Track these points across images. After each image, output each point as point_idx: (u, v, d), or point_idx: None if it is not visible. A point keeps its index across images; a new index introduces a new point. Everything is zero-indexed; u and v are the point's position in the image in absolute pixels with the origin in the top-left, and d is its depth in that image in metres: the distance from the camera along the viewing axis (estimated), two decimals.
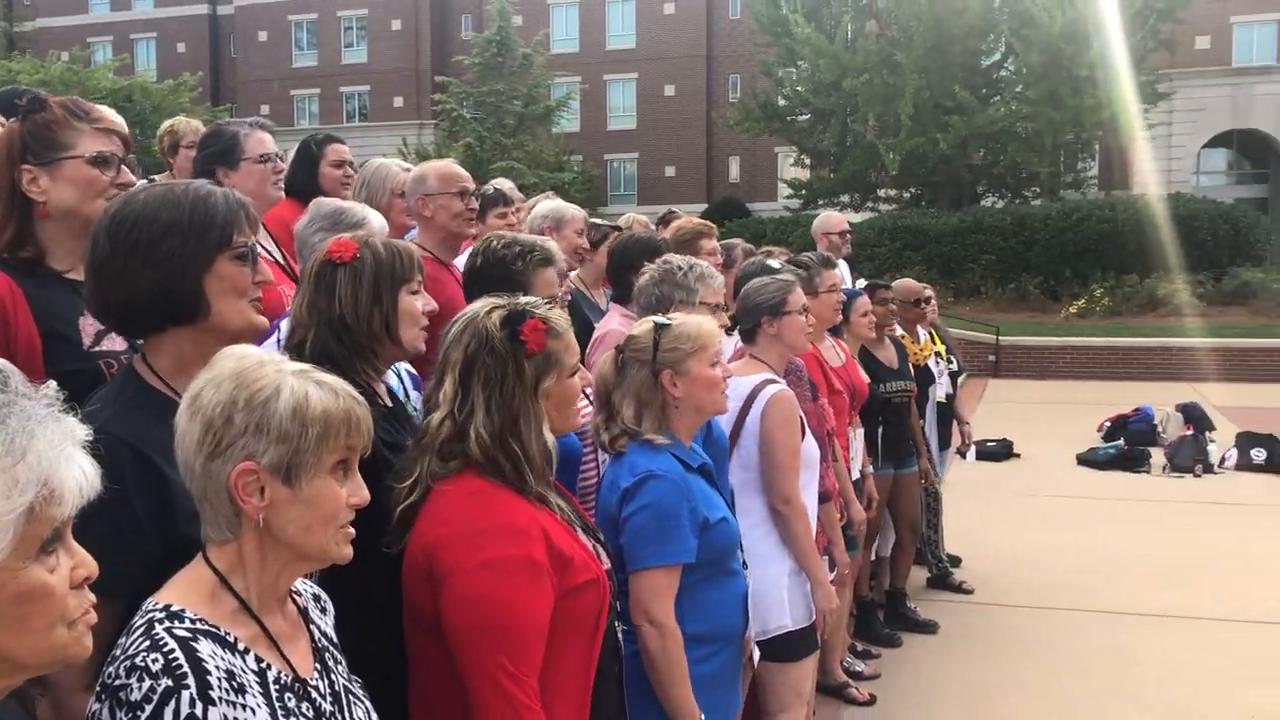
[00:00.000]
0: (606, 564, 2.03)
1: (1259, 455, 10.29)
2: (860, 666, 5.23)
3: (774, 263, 4.51)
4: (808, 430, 3.38)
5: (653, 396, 2.54)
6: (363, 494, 1.48)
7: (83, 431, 1.08)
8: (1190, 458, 10.27)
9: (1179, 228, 22.75)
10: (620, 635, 2.13)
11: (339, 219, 2.93)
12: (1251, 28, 35.75)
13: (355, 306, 2.18)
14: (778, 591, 3.22)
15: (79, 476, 1.06)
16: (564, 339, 2.02)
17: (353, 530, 1.47)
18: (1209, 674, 5.21)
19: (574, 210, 4.17)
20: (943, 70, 25.13)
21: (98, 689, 1.33)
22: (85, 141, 2.08)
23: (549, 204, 4.26)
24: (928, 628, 5.86)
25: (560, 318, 2.03)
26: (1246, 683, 5.08)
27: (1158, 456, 10.60)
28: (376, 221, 3.00)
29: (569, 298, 3.65)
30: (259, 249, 1.89)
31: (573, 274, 4.68)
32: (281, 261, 3.46)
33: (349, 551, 1.47)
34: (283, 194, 3.62)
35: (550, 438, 1.98)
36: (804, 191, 29.49)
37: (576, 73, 41.93)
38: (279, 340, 2.48)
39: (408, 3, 43.91)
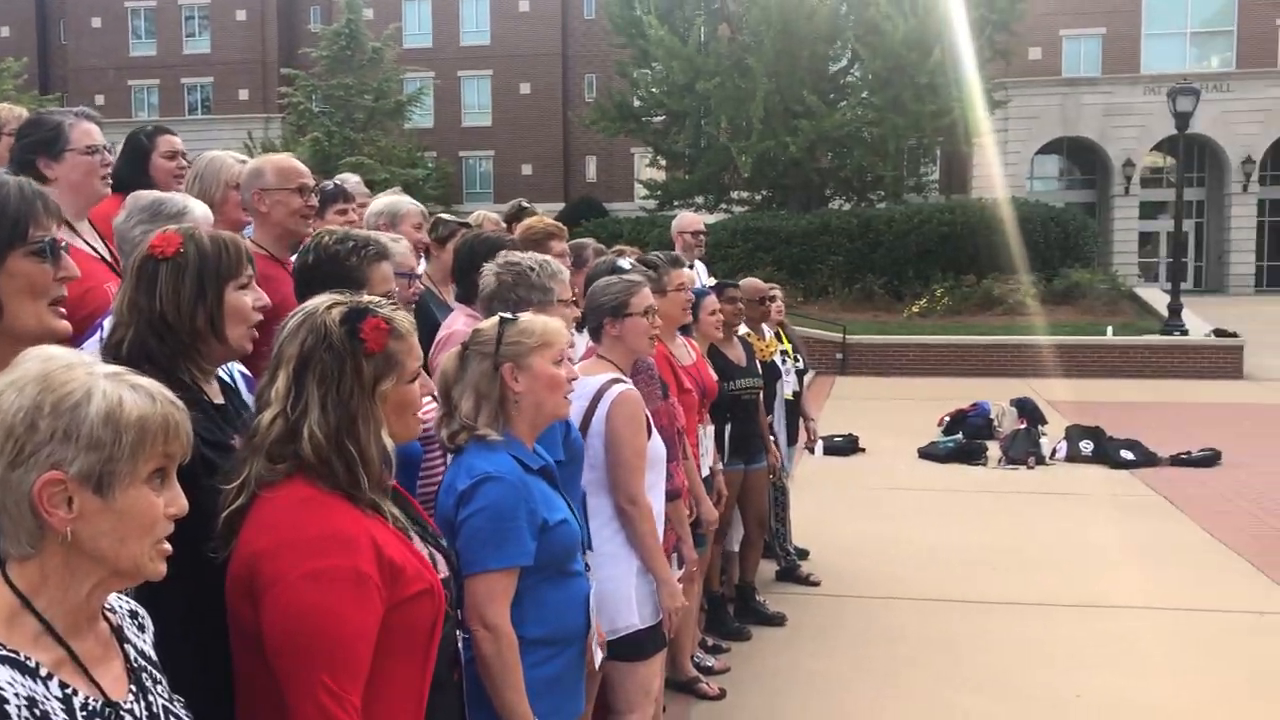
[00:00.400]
0: (444, 572, 1.99)
1: (1087, 447, 10.86)
2: (710, 661, 5.30)
3: (624, 263, 4.53)
4: (654, 429, 3.40)
5: (491, 390, 2.50)
6: (181, 504, 1.41)
7: None
8: (1024, 450, 10.76)
9: (1014, 230, 23.87)
10: (461, 643, 2.10)
11: (158, 210, 2.80)
12: (1079, 40, 37.76)
13: (178, 303, 2.08)
14: (625, 591, 3.23)
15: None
16: (406, 341, 1.96)
17: (169, 546, 1.40)
18: (1040, 657, 5.46)
19: (409, 204, 4.09)
20: (792, 75, 25.69)
21: None
22: None
23: (384, 199, 4.17)
24: (776, 620, 5.98)
25: (404, 319, 1.97)
26: (1074, 665, 5.34)
27: (994, 449, 11.08)
28: (199, 211, 2.88)
29: (416, 296, 3.57)
30: (72, 245, 1.78)
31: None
32: (110, 259, 3.29)
33: (163, 568, 1.40)
34: (109, 189, 3.44)
35: (389, 441, 1.93)
36: (660, 192, 29.76)
37: (430, 68, 41.36)
38: (101, 339, 2.36)
39: None
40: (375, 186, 6.56)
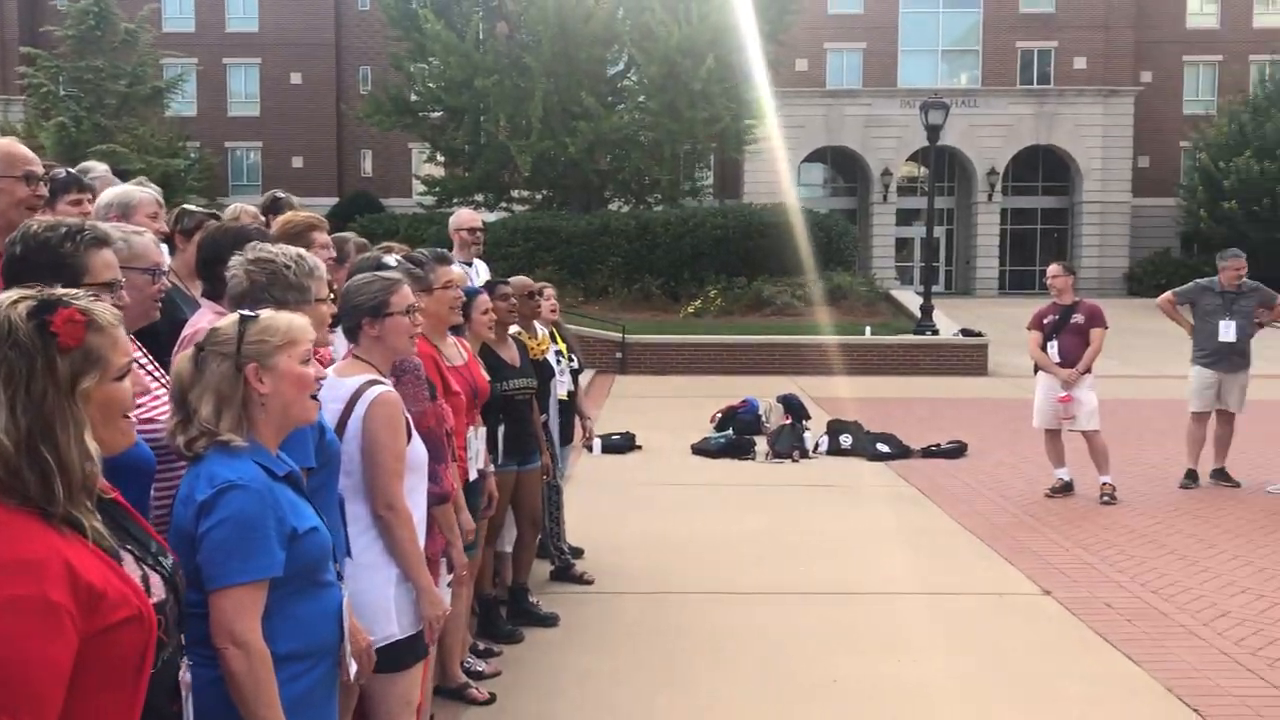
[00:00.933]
0: (158, 595, 1.84)
1: (846, 441, 11.41)
2: (481, 666, 5.22)
3: (389, 259, 4.40)
4: (414, 432, 3.30)
5: (234, 392, 2.36)
6: None
7: None
8: (789, 445, 11.20)
9: (782, 235, 24.90)
10: (186, 669, 1.95)
11: None
12: (842, 54, 39.74)
13: None
14: (383, 601, 3.12)
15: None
16: (109, 334, 1.79)
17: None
18: (801, 644, 5.66)
19: (141, 193, 3.83)
20: (570, 76, 25.85)
21: None
22: None
23: (113, 190, 3.88)
24: (549, 621, 5.96)
25: (105, 310, 1.80)
26: (834, 650, 5.58)
27: (762, 444, 11.47)
28: None
29: (164, 293, 3.33)
30: None
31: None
32: None
33: None
34: None
35: (94, 447, 1.77)
36: (439, 189, 29.32)
37: (192, 54, 39.27)
38: None
39: None
40: (129, 177, 6.12)
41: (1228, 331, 9.41)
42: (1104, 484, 9.05)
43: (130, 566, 1.82)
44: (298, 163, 41.80)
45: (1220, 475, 9.63)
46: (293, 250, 2.89)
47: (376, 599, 3.12)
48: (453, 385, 4.28)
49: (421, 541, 3.44)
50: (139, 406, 2.85)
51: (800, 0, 29.08)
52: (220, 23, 41.86)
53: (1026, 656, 5.51)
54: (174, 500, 2.52)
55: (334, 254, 4.52)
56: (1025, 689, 5.08)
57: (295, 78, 41.98)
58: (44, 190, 3.65)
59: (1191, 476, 9.60)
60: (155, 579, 1.88)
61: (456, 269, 4.85)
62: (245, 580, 2.24)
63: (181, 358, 2.41)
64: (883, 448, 11.16)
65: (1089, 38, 39.31)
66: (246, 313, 2.42)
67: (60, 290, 1.80)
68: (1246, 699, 4.92)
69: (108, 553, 1.77)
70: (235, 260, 2.91)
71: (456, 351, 4.75)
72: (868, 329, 21.23)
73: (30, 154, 3.65)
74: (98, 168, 5.40)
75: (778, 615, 6.15)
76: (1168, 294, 10.02)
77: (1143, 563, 7.18)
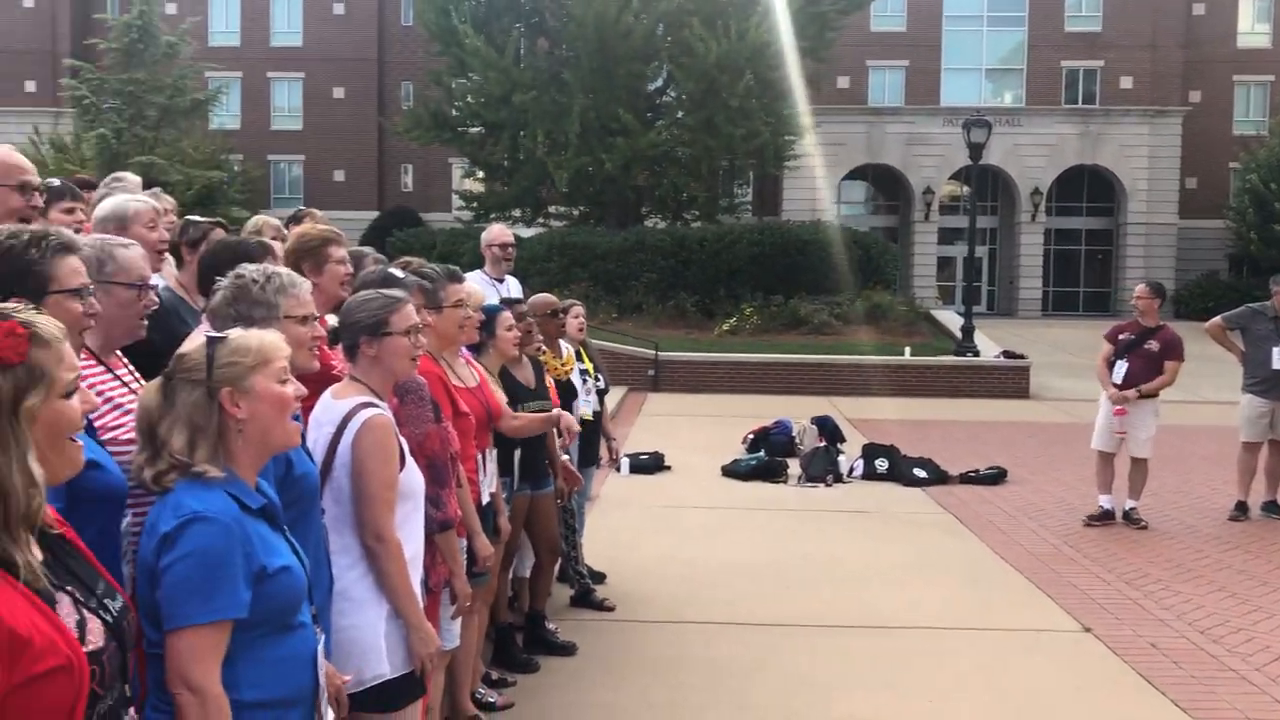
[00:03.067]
0: (95, 642, 1.66)
1: (882, 465, 11.12)
2: (493, 697, 5.03)
3: (398, 273, 4.24)
4: (408, 458, 3.12)
5: (208, 420, 2.19)
6: None
7: None
8: (823, 468, 10.93)
9: (821, 253, 24.61)
10: (131, 719, 1.78)
11: None
12: (884, 72, 39.41)
13: None
14: (374, 639, 2.93)
15: None
16: (55, 350, 1.64)
17: None
18: (830, 681, 5.42)
19: (138, 204, 3.69)
20: (608, 92, 25.75)
21: None
22: None
23: (110, 201, 3.75)
24: (567, 650, 5.76)
25: (49, 324, 1.66)
26: (863, 688, 5.33)
27: (795, 467, 11.21)
28: None
29: (151, 309, 3.18)
30: None
31: (169, 275, 4.18)
32: None
33: None
34: None
35: (39, 470, 1.61)
36: (477, 204, 29.30)
37: (238, 68, 39.65)
38: None
39: None
40: (169, 189, 6.04)
41: None
42: (1132, 508, 8.85)
43: (66, 609, 1.65)
44: (339, 176, 42.06)
45: (1272, 508, 9.26)
46: (271, 268, 2.75)
47: (367, 636, 2.94)
48: (461, 406, 4.10)
49: (419, 572, 3.27)
50: (118, 426, 2.72)
51: (842, 18, 28.80)
52: (265, 37, 42.25)
53: (1066, 700, 5.23)
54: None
55: (350, 269, 4.37)
56: None
57: (338, 92, 42.26)
58: (39, 200, 3.54)
59: (1242, 508, 9.25)
60: (94, 624, 1.70)
61: (472, 287, 4.69)
62: (204, 621, 2.07)
63: (146, 388, 2.26)
64: (920, 473, 10.87)
65: (1136, 57, 38.71)
66: (214, 334, 2.25)
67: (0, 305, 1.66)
68: None
69: (40, 594, 1.60)
70: (222, 279, 2.77)
71: (469, 372, 4.58)
72: (907, 350, 20.89)
73: (26, 163, 3.54)
74: (129, 178, 5.33)
75: (806, 649, 5.91)
76: (1217, 319, 9.67)
77: (1189, 599, 6.86)
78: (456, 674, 4.54)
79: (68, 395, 1.68)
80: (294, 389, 2.32)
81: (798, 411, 13.60)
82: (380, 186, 42.62)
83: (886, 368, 19.85)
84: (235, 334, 2.25)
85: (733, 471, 11.09)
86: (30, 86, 40.22)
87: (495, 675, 5.30)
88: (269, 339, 2.26)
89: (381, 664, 2.94)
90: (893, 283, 27.57)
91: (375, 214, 37.88)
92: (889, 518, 9.37)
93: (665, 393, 19.23)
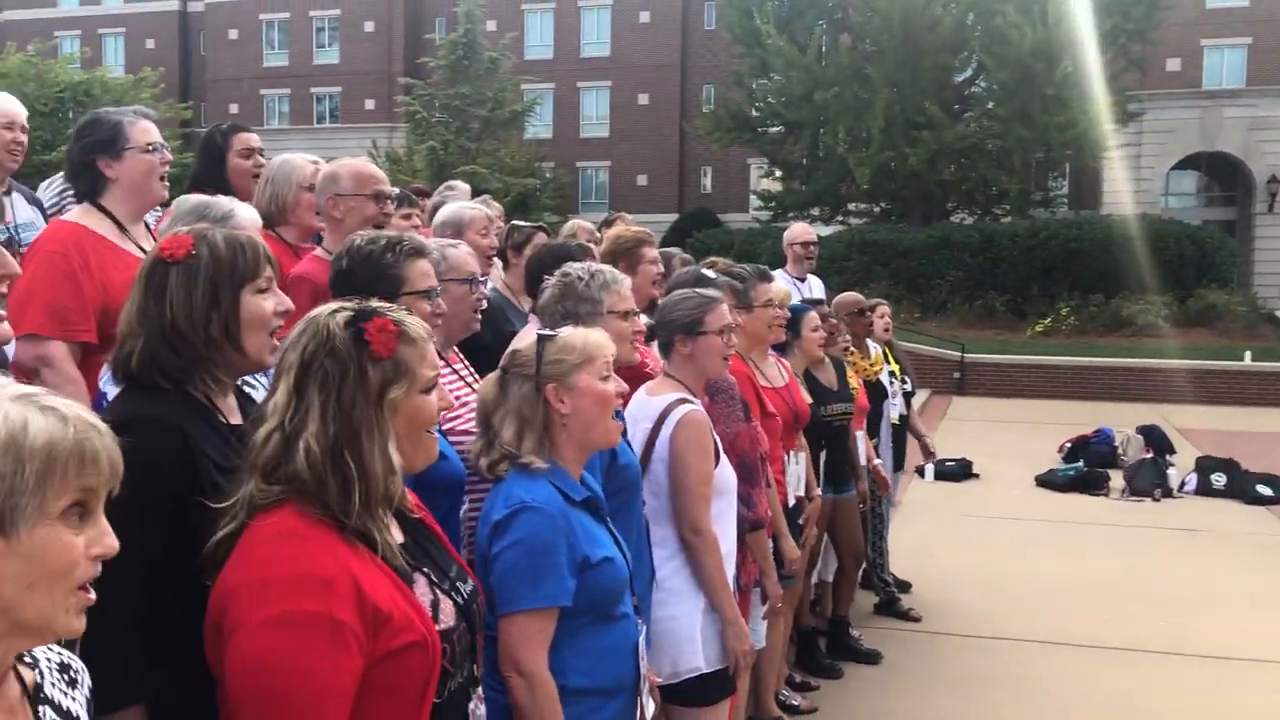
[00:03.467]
0: (448, 622, 1.75)
1: (1219, 480, 10.16)
2: (796, 700, 4.99)
3: (709, 273, 4.28)
4: (722, 454, 3.13)
5: (535, 414, 2.29)
6: (108, 542, 1.20)
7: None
8: (1149, 481, 10.12)
9: (1146, 248, 22.81)
10: (479, 701, 1.86)
11: (203, 214, 2.68)
12: (1221, 51, 36.00)
13: (189, 310, 1.92)
14: (690, 630, 2.97)
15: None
16: (419, 347, 1.76)
17: (92, 595, 1.20)
18: (1157, 711, 5.00)
19: (473, 211, 3.92)
20: (913, 85, 25.09)
21: None
22: None
23: (448, 209, 4.00)
24: (871, 658, 5.63)
25: (416, 324, 1.78)
26: None
27: (1117, 479, 10.44)
28: (245, 215, 2.74)
29: (483, 303, 3.38)
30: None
31: (496, 278, 4.43)
32: None
33: (80, 624, 1.19)
34: (166, 192, 3.34)
35: (398, 459, 1.73)
36: (775, 204, 29.36)
37: (550, 79, 41.71)
38: None
39: (381, 4, 43.54)
40: (490, 196, 6.50)
41: None
42: None
43: (422, 589, 1.76)
44: (642, 180, 43.35)
45: None
46: (595, 266, 2.84)
47: (683, 628, 2.97)
48: (769, 406, 4.08)
49: (731, 569, 3.27)
50: (456, 418, 2.89)
51: None
52: (575, 48, 44.21)
53: None
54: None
55: (662, 269, 4.47)
56: None
57: (642, 99, 43.57)
58: (391, 208, 3.83)
59: None
60: (447, 605, 1.80)
61: (780, 286, 4.67)
62: (532, 607, 2.16)
63: (486, 381, 2.40)
64: (1264, 490, 9.85)
65: None
66: (545, 332, 2.35)
67: (375, 303, 1.80)
68: None
69: (398, 572, 1.71)
70: (549, 278, 2.89)
71: (777, 372, 4.55)
72: (1247, 354, 19.01)
73: (379, 174, 3.83)
74: (461, 186, 5.77)
75: (1126, 675, 5.48)
76: None
77: None
78: (762, 674, 4.52)
79: (427, 391, 1.80)
80: (616, 386, 2.38)
81: (1119, 419, 12.67)
82: (680, 189, 43.56)
83: (1224, 373, 18.18)
84: (564, 332, 2.34)
85: (1048, 482, 10.47)
86: (370, 105, 44.10)
87: (799, 678, 5.25)
88: (594, 338, 2.33)
89: (696, 657, 2.97)
90: (1230, 281, 25.14)
91: (675, 216, 38.75)
92: (1226, 538, 8.53)
93: (971, 396, 18.48)
